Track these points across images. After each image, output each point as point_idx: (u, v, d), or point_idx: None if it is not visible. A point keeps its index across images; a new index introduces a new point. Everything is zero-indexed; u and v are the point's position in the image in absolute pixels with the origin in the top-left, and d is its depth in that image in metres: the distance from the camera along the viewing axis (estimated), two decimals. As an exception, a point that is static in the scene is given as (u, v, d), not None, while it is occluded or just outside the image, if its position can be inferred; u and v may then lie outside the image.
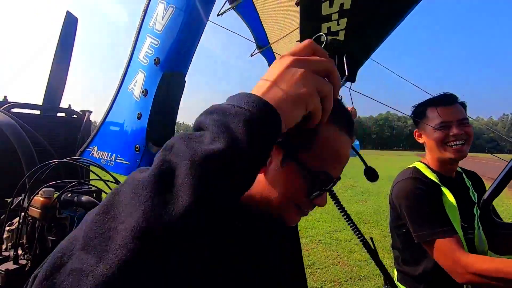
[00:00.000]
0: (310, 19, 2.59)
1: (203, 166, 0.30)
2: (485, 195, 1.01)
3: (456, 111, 1.26)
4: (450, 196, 1.20)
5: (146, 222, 0.27)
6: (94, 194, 1.00)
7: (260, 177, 0.57)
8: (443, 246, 1.08)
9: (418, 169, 1.33)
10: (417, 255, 1.24)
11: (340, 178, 0.62)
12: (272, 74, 0.40)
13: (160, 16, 0.83)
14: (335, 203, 0.62)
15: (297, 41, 2.81)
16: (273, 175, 0.56)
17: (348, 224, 0.62)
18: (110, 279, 0.26)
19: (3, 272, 0.82)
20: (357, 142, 0.93)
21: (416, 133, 1.41)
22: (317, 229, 5.94)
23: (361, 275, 3.89)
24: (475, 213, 1.25)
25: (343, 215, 0.61)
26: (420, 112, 1.36)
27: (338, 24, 2.73)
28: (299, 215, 0.59)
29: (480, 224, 1.24)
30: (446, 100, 1.28)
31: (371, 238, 1.67)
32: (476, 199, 1.28)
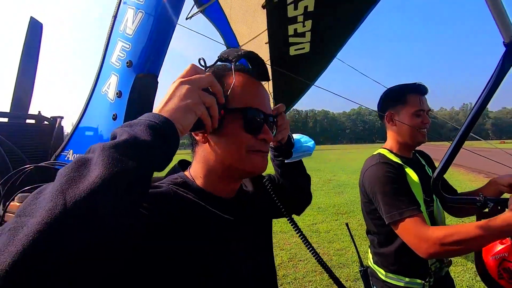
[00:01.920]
0: (277, 21, 2.69)
1: (111, 150, 0.41)
2: (434, 174, 1.14)
3: (426, 101, 1.42)
4: (413, 175, 1.33)
5: (64, 186, 0.37)
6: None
7: (210, 155, 0.68)
8: (407, 225, 1.17)
9: (383, 154, 1.44)
10: (391, 235, 1.32)
11: (272, 114, 0.74)
12: (166, 94, 0.54)
13: (130, 21, 0.87)
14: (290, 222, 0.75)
15: (266, 43, 2.91)
16: (218, 141, 0.67)
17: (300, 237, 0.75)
18: (38, 225, 0.33)
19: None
20: (312, 143, 1.01)
21: (389, 114, 1.47)
22: (298, 222, 6.06)
23: (341, 263, 4.07)
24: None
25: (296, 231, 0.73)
26: (400, 95, 1.45)
27: (304, 26, 2.85)
28: (261, 158, 0.70)
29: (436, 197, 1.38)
30: (424, 90, 1.42)
31: (347, 224, 1.79)
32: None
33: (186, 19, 1.97)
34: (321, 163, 21.00)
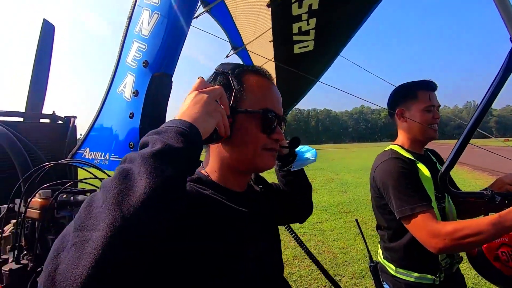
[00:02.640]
0: (281, 19, 2.71)
1: (150, 160, 0.44)
2: (441, 169, 1.16)
3: (436, 97, 1.43)
4: (425, 170, 1.34)
5: (118, 198, 0.40)
6: (88, 194, 1.05)
7: (225, 152, 0.73)
8: (418, 220, 1.17)
9: (394, 150, 1.45)
10: (401, 230, 1.32)
11: (284, 116, 0.79)
12: (186, 103, 0.59)
13: (146, 22, 0.90)
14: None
15: (270, 41, 2.93)
16: (233, 140, 0.71)
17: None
18: (104, 239, 0.36)
19: (7, 272, 0.86)
20: (314, 151, 1.05)
21: (400, 111, 1.49)
22: (302, 222, 6.12)
23: (346, 261, 4.09)
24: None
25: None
26: (410, 91, 1.47)
27: (308, 24, 2.87)
28: (272, 156, 0.76)
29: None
30: (434, 86, 1.44)
31: (356, 220, 1.80)
32: None
33: (192, 18, 1.99)
34: (324, 162, 20.97)
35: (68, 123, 1.38)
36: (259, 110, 0.71)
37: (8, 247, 0.97)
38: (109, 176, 1.00)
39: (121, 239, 0.37)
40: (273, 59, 3.23)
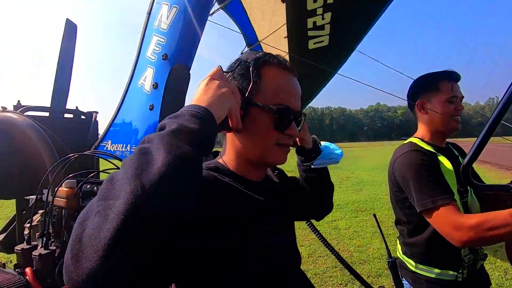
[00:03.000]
0: (296, 14, 2.69)
1: (167, 138, 0.47)
2: (464, 161, 1.12)
3: (459, 88, 1.39)
4: (446, 163, 1.29)
5: (138, 171, 0.42)
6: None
7: (238, 142, 0.74)
8: (441, 213, 1.14)
9: (414, 143, 1.41)
10: (422, 224, 1.29)
11: (301, 111, 0.77)
12: (200, 88, 0.62)
13: (165, 16, 0.92)
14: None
15: (284, 37, 2.91)
16: (246, 132, 0.71)
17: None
18: (126, 205, 0.38)
19: (37, 257, 0.91)
20: (340, 151, 1.02)
21: (420, 103, 1.45)
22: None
23: (362, 259, 4.03)
24: None
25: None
26: (432, 82, 1.42)
27: (323, 18, 2.84)
28: (283, 152, 0.75)
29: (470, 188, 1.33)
30: (457, 77, 1.39)
31: (374, 215, 1.76)
32: None
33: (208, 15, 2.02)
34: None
35: (90, 118, 1.44)
36: (273, 106, 0.69)
37: (37, 234, 1.03)
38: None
39: (140, 206, 0.39)
40: (287, 55, 3.22)
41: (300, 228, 5.62)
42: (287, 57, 3.36)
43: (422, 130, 1.48)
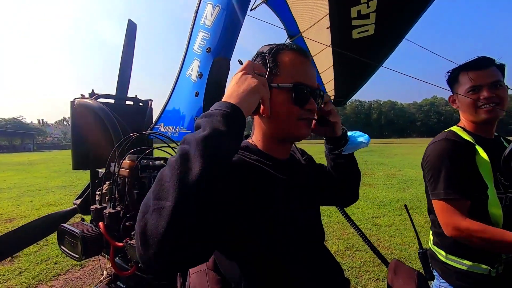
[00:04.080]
0: (339, 4, 2.67)
1: (202, 143, 0.56)
2: (506, 152, 1.08)
3: (488, 74, 1.29)
4: (483, 154, 1.25)
5: (180, 177, 0.54)
6: (162, 161, 1.28)
7: (264, 123, 0.83)
8: (447, 207, 1.21)
9: (453, 131, 1.38)
10: None
11: (318, 88, 0.84)
12: (233, 83, 0.70)
13: (210, 14, 1.06)
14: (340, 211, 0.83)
15: (327, 28, 2.89)
16: (270, 113, 0.79)
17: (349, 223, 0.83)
18: (173, 208, 0.51)
19: (107, 214, 1.13)
20: (367, 136, 1.05)
21: (451, 99, 1.47)
22: (356, 215, 5.94)
23: (402, 257, 3.88)
24: None
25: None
26: (453, 77, 1.41)
27: (368, 7, 2.77)
28: (306, 126, 0.83)
29: None
30: (478, 64, 1.32)
31: (405, 205, 1.77)
32: None
33: (251, 10, 2.12)
34: (385, 157, 19.55)
35: (146, 105, 1.67)
36: (290, 84, 0.78)
37: (106, 198, 1.26)
38: (177, 145, 1.21)
39: (184, 208, 0.53)
40: (330, 46, 3.17)
41: (338, 222, 5.56)
42: (329, 50, 3.32)
43: (462, 119, 1.45)
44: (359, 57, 2.75)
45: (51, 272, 3.60)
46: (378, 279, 3.39)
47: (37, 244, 4.40)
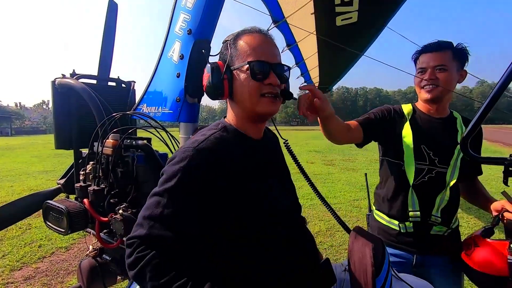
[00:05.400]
0: (323, -10, 2.65)
1: None
2: (464, 132, 1.17)
3: (435, 57, 1.42)
4: (407, 128, 1.48)
5: None
6: (145, 141, 1.31)
7: (234, 103, 0.89)
8: None
9: (400, 106, 1.61)
10: (380, 169, 1.67)
11: (280, 62, 0.89)
12: None
13: (190, -4, 1.08)
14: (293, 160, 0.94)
15: (311, 14, 2.91)
16: (235, 93, 0.87)
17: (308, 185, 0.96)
18: None
19: (91, 191, 1.17)
20: None
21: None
22: (339, 198, 6.16)
23: (379, 236, 4.12)
24: (455, 152, 1.41)
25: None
26: (415, 58, 1.55)
27: (351, -8, 2.76)
28: (270, 102, 0.87)
29: (459, 164, 1.40)
30: (428, 48, 1.46)
31: (365, 174, 2.01)
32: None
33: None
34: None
35: (129, 86, 1.67)
36: (245, 62, 0.84)
37: (90, 176, 1.30)
38: (159, 125, 1.26)
39: None
40: (314, 33, 3.19)
41: (321, 205, 5.75)
42: (313, 36, 3.33)
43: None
44: (343, 46, 2.79)
45: (35, 255, 3.60)
46: (355, 256, 3.60)
47: (20, 228, 4.36)
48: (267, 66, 0.85)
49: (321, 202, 1.05)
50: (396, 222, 1.45)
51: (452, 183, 1.39)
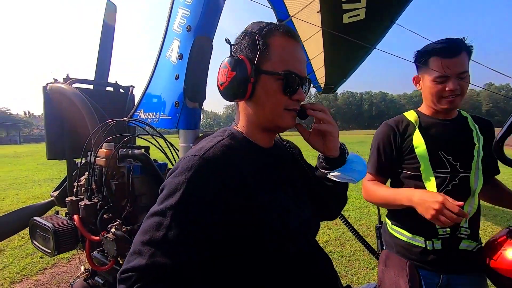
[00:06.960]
0: (329, -13, 2.55)
1: None
2: (497, 137, 1.05)
3: (457, 63, 1.23)
4: (418, 136, 1.32)
5: None
6: (143, 150, 1.20)
7: (250, 109, 0.78)
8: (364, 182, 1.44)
9: (403, 114, 1.45)
10: (395, 184, 1.47)
11: (307, 77, 0.80)
12: None
13: (190, -12, 0.98)
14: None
15: (317, 12, 2.81)
16: (256, 98, 0.76)
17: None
18: None
19: (82, 206, 1.06)
20: (363, 166, 0.89)
21: (415, 79, 1.40)
22: (348, 205, 5.92)
23: (391, 245, 3.94)
24: (475, 154, 1.26)
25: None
26: (423, 58, 1.32)
27: (358, -9, 2.65)
28: (292, 117, 0.79)
29: (481, 166, 1.26)
30: (451, 51, 1.24)
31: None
32: (481, 143, 1.28)
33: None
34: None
35: (127, 91, 1.58)
36: (281, 72, 0.73)
37: (83, 189, 1.19)
38: (158, 133, 1.14)
39: None
40: (320, 31, 3.09)
41: (330, 211, 5.59)
42: (319, 35, 3.23)
43: (424, 103, 1.42)
44: (353, 40, 2.67)
45: (36, 266, 3.50)
46: (367, 267, 3.43)
47: (23, 238, 4.29)
48: (298, 81, 0.76)
49: (346, 226, 0.92)
50: (422, 239, 1.29)
51: (479, 187, 1.26)
